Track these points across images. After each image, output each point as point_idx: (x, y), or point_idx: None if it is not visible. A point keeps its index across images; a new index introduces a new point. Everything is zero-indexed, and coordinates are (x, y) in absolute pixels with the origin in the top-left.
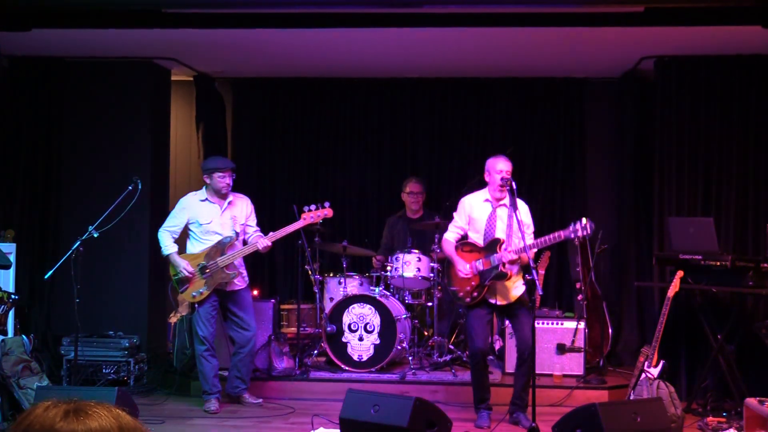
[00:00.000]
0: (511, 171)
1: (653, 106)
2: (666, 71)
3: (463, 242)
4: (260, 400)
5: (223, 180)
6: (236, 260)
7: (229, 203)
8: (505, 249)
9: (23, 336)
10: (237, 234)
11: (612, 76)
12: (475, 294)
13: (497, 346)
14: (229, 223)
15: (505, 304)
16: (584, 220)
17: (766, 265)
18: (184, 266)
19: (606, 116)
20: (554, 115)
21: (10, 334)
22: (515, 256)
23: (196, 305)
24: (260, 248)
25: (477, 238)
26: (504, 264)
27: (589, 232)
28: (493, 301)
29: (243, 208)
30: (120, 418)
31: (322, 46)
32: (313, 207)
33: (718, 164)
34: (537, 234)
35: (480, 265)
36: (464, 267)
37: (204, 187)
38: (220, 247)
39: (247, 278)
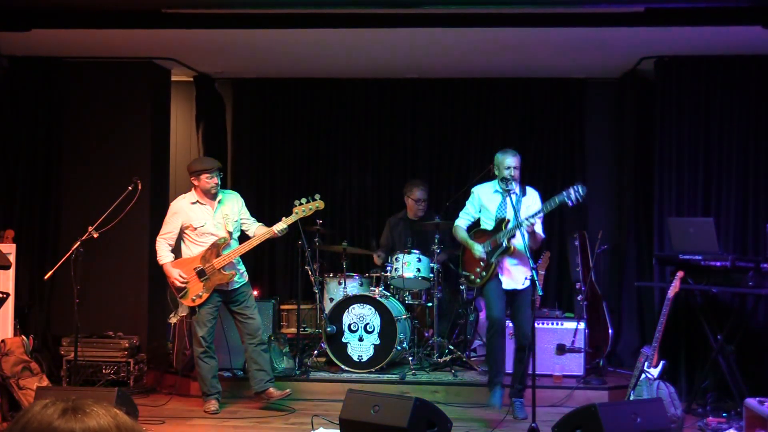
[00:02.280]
0: (520, 165)
1: (653, 106)
2: (666, 71)
3: (475, 230)
4: (288, 390)
5: (211, 180)
6: (234, 258)
7: (219, 202)
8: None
9: (23, 336)
10: (230, 233)
11: (612, 76)
12: (484, 273)
13: None
14: (222, 223)
15: (511, 290)
16: (577, 185)
17: (766, 265)
18: (177, 276)
19: (606, 116)
20: (554, 115)
21: (7, 333)
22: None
23: (197, 308)
24: (277, 231)
25: (489, 225)
26: (509, 239)
27: (581, 193)
28: (502, 276)
29: (233, 204)
30: (118, 417)
31: (322, 46)
32: (303, 200)
33: (718, 164)
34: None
35: (489, 245)
36: (478, 248)
37: (192, 189)
38: (215, 249)
39: (245, 274)
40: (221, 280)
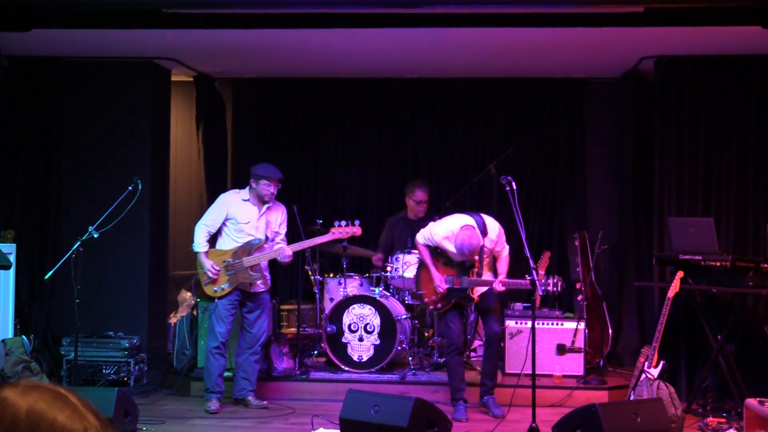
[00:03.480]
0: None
1: (653, 106)
2: (666, 71)
3: (440, 252)
4: (265, 402)
5: (268, 188)
6: (264, 261)
7: (267, 208)
8: (477, 273)
9: (23, 336)
10: (267, 238)
11: (612, 76)
12: (440, 305)
13: None
14: (263, 227)
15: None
16: (555, 277)
17: (766, 265)
18: (210, 267)
19: (606, 116)
20: (554, 115)
21: (7, 333)
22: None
23: (216, 300)
24: (281, 259)
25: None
26: (472, 290)
27: (558, 289)
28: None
29: (278, 215)
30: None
31: (322, 46)
32: (343, 223)
33: (718, 164)
34: (532, 235)
35: (451, 282)
36: (441, 282)
37: (247, 188)
38: (248, 248)
39: (269, 282)
40: (246, 279)
